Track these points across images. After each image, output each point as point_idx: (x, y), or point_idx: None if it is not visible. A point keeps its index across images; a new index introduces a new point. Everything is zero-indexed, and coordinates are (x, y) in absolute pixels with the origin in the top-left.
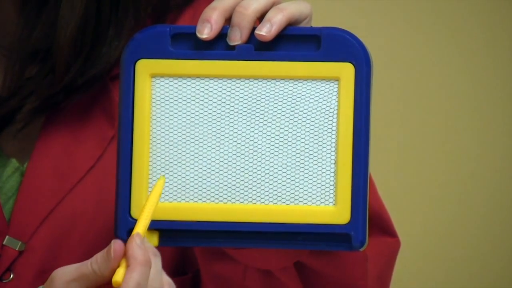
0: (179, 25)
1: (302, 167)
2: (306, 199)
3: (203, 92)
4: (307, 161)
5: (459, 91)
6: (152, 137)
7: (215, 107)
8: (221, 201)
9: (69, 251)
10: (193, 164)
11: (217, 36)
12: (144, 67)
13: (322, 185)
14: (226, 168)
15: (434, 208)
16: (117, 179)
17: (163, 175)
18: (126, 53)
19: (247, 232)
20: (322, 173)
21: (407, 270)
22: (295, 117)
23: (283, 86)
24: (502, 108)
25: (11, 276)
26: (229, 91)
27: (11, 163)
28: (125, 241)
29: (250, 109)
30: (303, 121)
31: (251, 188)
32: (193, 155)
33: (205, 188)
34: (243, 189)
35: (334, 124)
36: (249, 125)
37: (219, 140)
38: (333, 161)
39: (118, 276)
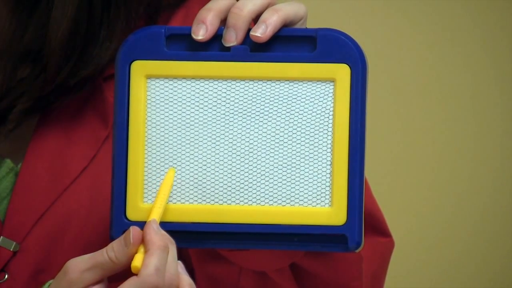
0: (174, 26)
1: (298, 168)
2: (302, 200)
3: (198, 93)
4: (303, 162)
5: (457, 91)
6: (148, 139)
7: (211, 108)
8: (217, 202)
9: (63, 251)
10: (188, 165)
11: (212, 37)
12: (139, 68)
13: (318, 186)
14: (222, 169)
15: (431, 209)
16: (112, 180)
17: (173, 167)
18: (121, 54)
19: (243, 233)
20: (318, 174)
21: (403, 270)
22: (290, 118)
23: (278, 87)
24: (502, 108)
25: (6, 276)
26: (225, 92)
27: (6, 163)
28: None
29: (245, 110)
30: (298, 122)
31: (246, 189)
32: (188, 156)
33: (200, 189)
34: (238, 190)
35: (330, 125)
36: (244, 126)
37: (215, 141)
38: (329, 162)
39: (137, 261)
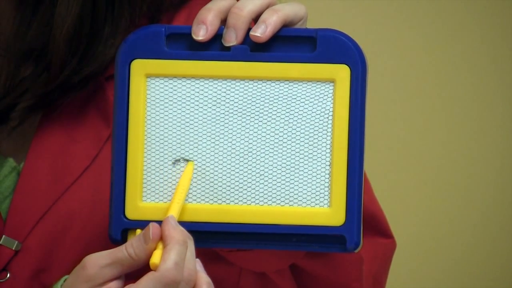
0: (174, 25)
1: (297, 169)
2: (300, 200)
3: (198, 92)
4: (302, 162)
5: (457, 91)
6: (147, 138)
7: (210, 107)
8: (215, 202)
9: (64, 250)
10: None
11: (213, 37)
12: (139, 67)
13: (316, 187)
14: (221, 169)
15: (432, 209)
16: (111, 179)
17: (192, 161)
18: (121, 53)
19: (241, 233)
20: (317, 174)
21: (404, 271)
22: (290, 119)
23: (278, 88)
24: (502, 108)
25: (7, 275)
26: (224, 92)
27: (8, 162)
28: (119, 242)
29: (245, 110)
30: (298, 123)
31: (245, 189)
32: (187, 156)
33: (199, 189)
34: (237, 190)
35: (329, 125)
36: (244, 126)
37: (214, 141)
38: (328, 163)
39: (155, 257)
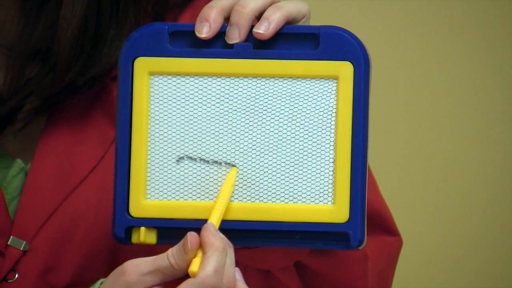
0: (177, 23)
1: (301, 166)
2: (304, 197)
3: (201, 90)
4: (306, 159)
5: (461, 89)
6: (150, 135)
7: (213, 105)
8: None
9: (71, 250)
10: (191, 162)
11: (216, 34)
12: (143, 65)
13: (320, 184)
14: (224, 166)
15: (435, 207)
16: (115, 177)
17: (235, 167)
18: (124, 51)
19: (245, 230)
20: (321, 171)
21: (408, 269)
22: (293, 116)
23: (281, 85)
24: (502, 108)
25: (16, 276)
26: (228, 90)
27: (16, 163)
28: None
29: (248, 107)
30: (301, 120)
31: (249, 187)
32: (191, 153)
33: (203, 186)
34: (241, 187)
35: (333, 123)
36: (247, 124)
37: (217, 139)
38: (331, 160)
39: (194, 266)
